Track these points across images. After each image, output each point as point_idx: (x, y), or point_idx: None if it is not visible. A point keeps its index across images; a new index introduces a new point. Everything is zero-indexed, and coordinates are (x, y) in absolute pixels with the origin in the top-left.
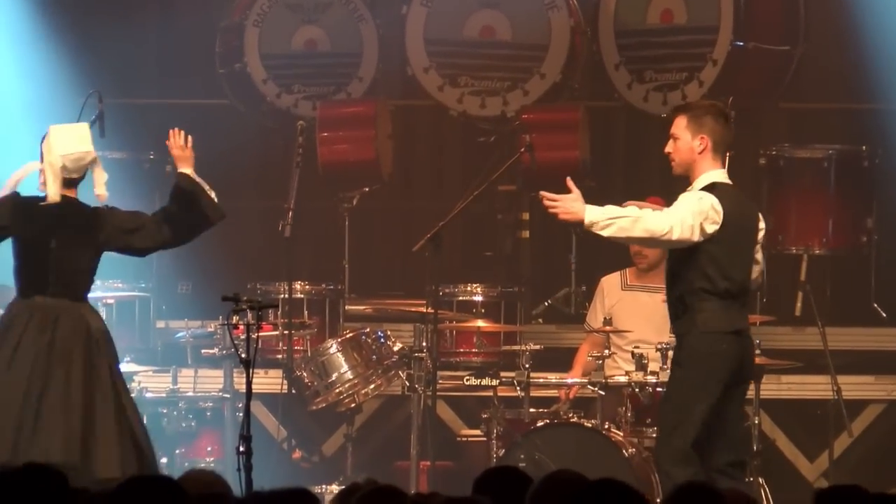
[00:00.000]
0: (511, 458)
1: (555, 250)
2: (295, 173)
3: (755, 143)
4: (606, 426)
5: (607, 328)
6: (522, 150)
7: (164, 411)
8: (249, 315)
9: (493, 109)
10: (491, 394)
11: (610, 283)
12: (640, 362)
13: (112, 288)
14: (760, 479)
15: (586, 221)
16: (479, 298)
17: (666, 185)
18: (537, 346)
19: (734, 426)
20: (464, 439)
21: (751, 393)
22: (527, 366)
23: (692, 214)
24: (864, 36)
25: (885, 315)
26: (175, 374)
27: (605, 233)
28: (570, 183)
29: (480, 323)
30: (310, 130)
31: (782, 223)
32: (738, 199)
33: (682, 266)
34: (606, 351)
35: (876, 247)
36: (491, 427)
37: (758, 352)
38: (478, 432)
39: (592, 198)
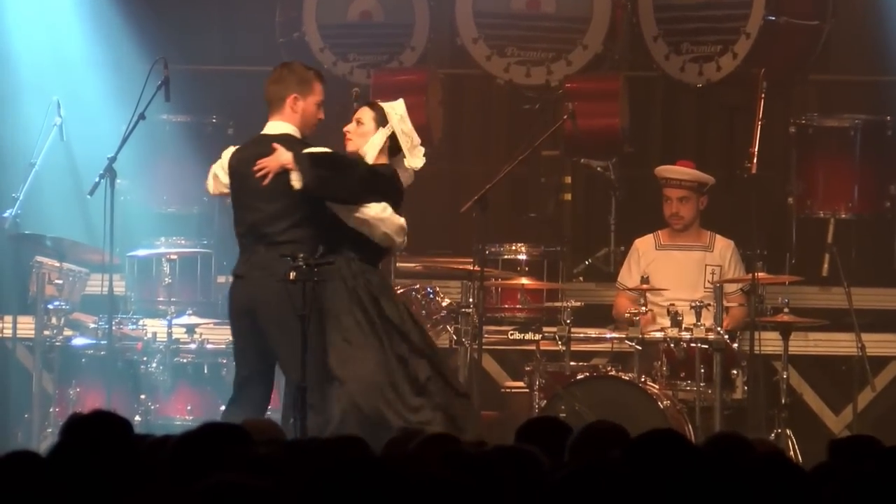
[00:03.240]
0: (552, 409)
1: (595, 212)
2: None
3: (786, 113)
4: (643, 379)
5: (644, 286)
6: (565, 117)
7: (224, 361)
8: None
9: (537, 79)
10: (534, 348)
11: (645, 245)
12: (675, 319)
13: (176, 245)
14: (788, 431)
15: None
16: (523, 257)
17: (699, 151)
18: (578, 303)
19: None
20: (508, 390)
21: (779, 348)
22: (568, 321)
23: None
24: (889, 12)
25: None
26: None
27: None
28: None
29: (524, 280)
30: (364, 97)
31: (811, 189)
32: None
33: None
34: (643, 308)
35: None
36: (533, 379)
37: (786, 310)
38: (521, 384)
39: (631, 163)
